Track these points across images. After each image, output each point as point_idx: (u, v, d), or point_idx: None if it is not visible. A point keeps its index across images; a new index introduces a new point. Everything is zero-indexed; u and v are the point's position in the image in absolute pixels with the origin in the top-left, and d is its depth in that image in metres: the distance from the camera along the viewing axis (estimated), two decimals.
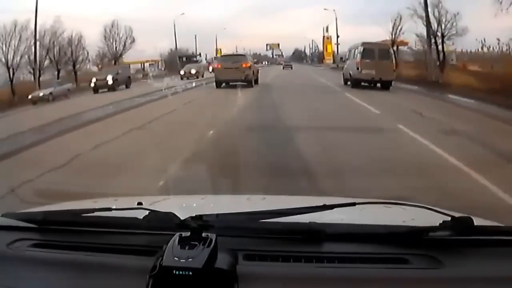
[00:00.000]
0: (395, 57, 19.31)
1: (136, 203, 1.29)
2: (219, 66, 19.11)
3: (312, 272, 1.06)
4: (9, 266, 1.13)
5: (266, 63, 72.65)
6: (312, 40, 73.82)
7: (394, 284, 1.03)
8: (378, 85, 17.96)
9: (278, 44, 77.35)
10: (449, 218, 1.11)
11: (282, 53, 75.02)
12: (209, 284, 0.96)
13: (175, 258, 0.97)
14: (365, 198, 1.47)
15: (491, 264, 1.07)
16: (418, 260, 1.08)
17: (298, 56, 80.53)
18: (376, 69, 17.39)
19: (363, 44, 18.56)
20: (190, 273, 0.95)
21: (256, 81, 19.37)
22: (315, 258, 1.10)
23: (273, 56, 79.06)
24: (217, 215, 1.16)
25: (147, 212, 1.18)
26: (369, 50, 18.02)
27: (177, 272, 0.95)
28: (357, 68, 17.91)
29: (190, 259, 0.97)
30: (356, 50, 18.80)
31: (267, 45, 78.23)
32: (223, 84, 18.64)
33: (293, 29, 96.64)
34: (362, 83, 18.13)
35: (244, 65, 18.63)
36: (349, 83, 19.24)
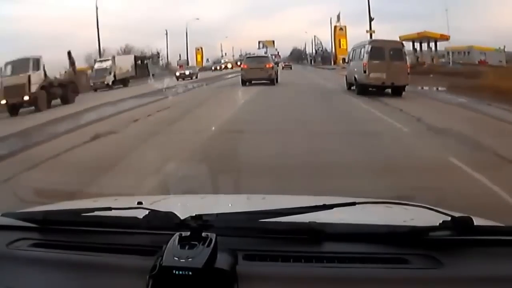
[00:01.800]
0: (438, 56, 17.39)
1: (136, 203, 1.29)
2: (246, 67, 20.94)
3: (312, 272, 1.06)
4: (9, 266, 1.13)
5: None
6: (315, 36, 61.03)
7: (394, 284, 1.03)
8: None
9: (273, 42, 63.97)
10: (449, 218, 1.11)
11: (278, 52, 63.35)
12: (209, 284, 0.96)
13: (175, 258, 0.97)
14: (365, 198, 1.47)
15: (491, 264, 1.07)
16: (418, 260, 1.08)
17: (297, 55, 69.53)
18: (387, 72, 14.41)
19: (371, 41, 15.64)
20: (190, 273, 0.95)
21: (277, 80, 21.07)
22: (315, 258, 1.10)
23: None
24: (217, 214, 1.16)
25: (147, 212, 1.18)
26: (379, 49, 14.89)
27: (177, 272, 0.95)
28: (364, 71, 14.78)
29: (190, 259, 0.97)
30: (362, 50, 15.62)
31: (259, 42, 63.74)
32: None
33: (289, 29, 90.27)
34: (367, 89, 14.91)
35: (267, 66, 20.79)
36: (353, 88, 16.21)
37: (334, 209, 1.19)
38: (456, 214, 1.15)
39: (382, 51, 14.92)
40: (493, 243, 1.13)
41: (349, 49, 17.04)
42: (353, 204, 1.25)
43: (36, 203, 2.40)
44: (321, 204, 1.19)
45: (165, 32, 46.66)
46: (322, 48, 60.86)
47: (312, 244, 1.13)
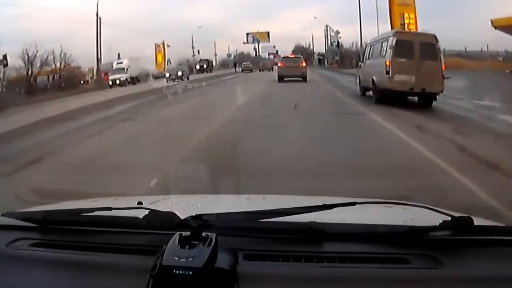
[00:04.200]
0: None
1: (136, 203, 1.29)
2: (282, 65, 23.20)
3: (312, 272, 1.06)
4: (9, 266, 1.13)
5: (237, 68, 42.52)
6: (328, 26, 41.93)
7: (394, 284, 1.03)
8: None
9: (268, 34, 46.95)
10: (449, 218, 1.11)
11: (277, 51, 47.13)
12: (209, 283, 0.96)
13: (175, 257, 0.97)
14: (365, 198, 1.47)
15: (491, 264, 1.07)
16: (418, 260, 1.08)
17: (300, 54, 54.62)
18: (417, 74, 10.91)
19: (397, 33, 11.82)
20: (190, 272, 0.95)
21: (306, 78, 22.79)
22: (315, 258, 1.10)
23: (257, 54, 48.06)
24: (217, 214, 1.16)
25: (147, 212, 1.18)
26: (406, 44, 11.21)
27: (177, 272, 0.95)
28: (387, 72, 11.17)
29: (190, 259, 0.97)
30: (384, 44, 11.89)
31: (247, 34, 47.18)
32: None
33: (289, 27, 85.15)
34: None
35: (300, 65, 22.93)
36: (368, 93, 12.96)
37: (334, 209, 1.20)
38: (456, 214, 1.15)
39: (411, 46, 11.19)
40: (493, 243, 1.13)
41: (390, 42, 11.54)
42: (353, 204, 1.25)
43: (36, 203, 2.40)
44: (321, 204, 1.19)
45: (97, 20, 30.81)
46: (339, 43, 42.13)
47: (312, 244, 1.13)
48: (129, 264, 1.08)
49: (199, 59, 44.30)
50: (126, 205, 1.28)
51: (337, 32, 41.71)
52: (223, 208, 1.35)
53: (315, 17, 50.82)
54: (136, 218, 1.18)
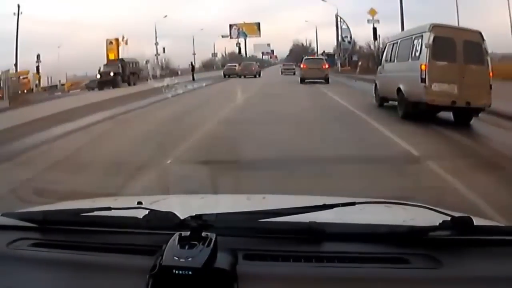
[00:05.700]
0: None
1: (135, 203, 1.29)
2: (305, 67, 23.63)
3: (312, 272, 1.06)
4: (8, 266, 1.13)
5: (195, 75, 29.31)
6: (338, 17, 34.64)
7: (394, 284, 1.03)
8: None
9: (258, 25, 37.02)
10: (449, 218, 1.11)
11: (273, 51, 40.59)
12: (209, 283, 0.96)
13: (175, 257, 0.97)
14: (365, 198, 1.47)
15: (491, 264, 1.07)
16: (418, 260, 1.08)
17: (299, 55, 43.38)
18: (461, 83, 8.30)
19: (434, 28, 8.67)
20: (190, 272, 0.95)
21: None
22: (315, 258, 1.10)
23: (241, 52, 38.87)
24: (217, 214, 1.16)
25: (146, 212, 1.18)
26: (447, 42, 8.47)
27: (177, 272, 0.95)
28: (422, 80, 8.43)
29: (190, 259, 0.97)
30: (416, 41, 9.04)
31: (231, 26, 37.92)
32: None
33: (285, 31, 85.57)
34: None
35: (323, 67, 23.40)
36: (387, 104, 10.67)
37: (334, 209, 1.20)
38: (456, 214, 1.15)
39: (453, 46, 8.44)
40: (493, 243, 1.13)
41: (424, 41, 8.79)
42: (353, 204, 1.25)
43: (36, 203, 2.41)
44: (321, 204, 1.19)
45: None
46: (351, 38, 34.51)
47: (312, 244, 1.13)
48: (129, 264, 1.08)
49: (104, 63, 27.35)
50: (126, 205, 1.28)
51: (373, 12, 27.91)
52: (223, 208, 1.35)
53: (323, 0, 35.62)
54: (135, 218, 1.18)
